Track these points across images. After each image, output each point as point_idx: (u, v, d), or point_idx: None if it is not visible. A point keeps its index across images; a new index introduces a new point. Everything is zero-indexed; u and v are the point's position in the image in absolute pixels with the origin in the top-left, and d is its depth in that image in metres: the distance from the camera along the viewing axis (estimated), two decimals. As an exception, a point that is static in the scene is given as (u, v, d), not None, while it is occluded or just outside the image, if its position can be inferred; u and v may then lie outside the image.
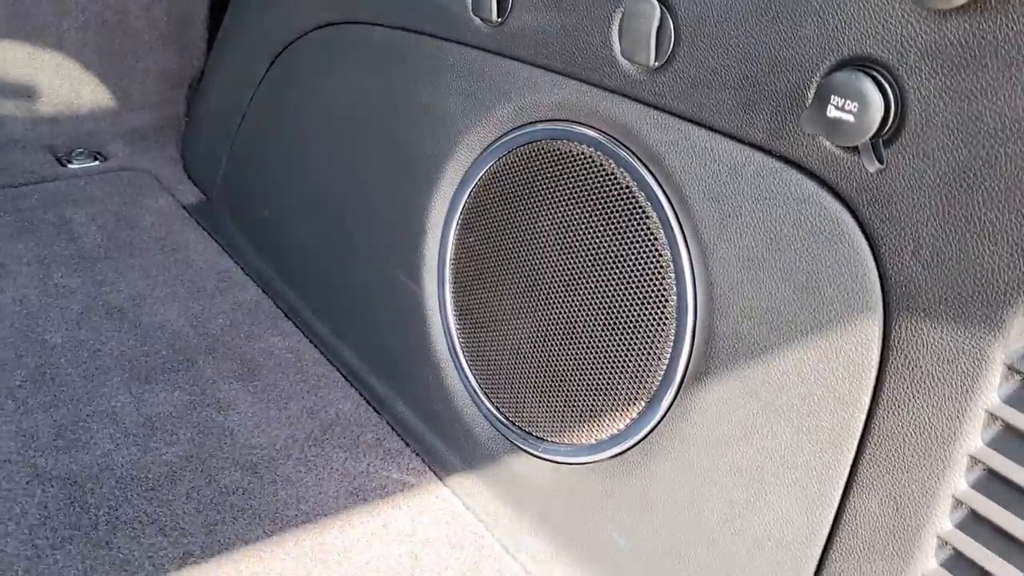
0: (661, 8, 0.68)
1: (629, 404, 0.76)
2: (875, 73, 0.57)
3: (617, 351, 0.76)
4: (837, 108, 0.58)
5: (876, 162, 0.58)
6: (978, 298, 0.55)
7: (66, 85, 1.44)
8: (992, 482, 0.56)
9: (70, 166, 1.41)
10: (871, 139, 0.58)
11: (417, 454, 0.92)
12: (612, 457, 0.78)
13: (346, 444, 0.91)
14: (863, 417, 0.62)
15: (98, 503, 0.80)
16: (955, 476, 0.57)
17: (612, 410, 0.78)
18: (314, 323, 1.10)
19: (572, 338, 0.79)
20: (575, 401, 0.80)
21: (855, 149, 0.59)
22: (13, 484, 0.81)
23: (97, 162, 1.43)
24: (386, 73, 0.96)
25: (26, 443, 0.86)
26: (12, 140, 1.41)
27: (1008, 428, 0.55)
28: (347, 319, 1.05)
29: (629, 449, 0.77)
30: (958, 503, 0.57)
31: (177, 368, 0.99)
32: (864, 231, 0.60)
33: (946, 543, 0.58)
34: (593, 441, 0.80)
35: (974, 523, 0.57)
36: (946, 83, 0.54)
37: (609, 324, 0.76)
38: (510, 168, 0.84)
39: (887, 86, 0.57)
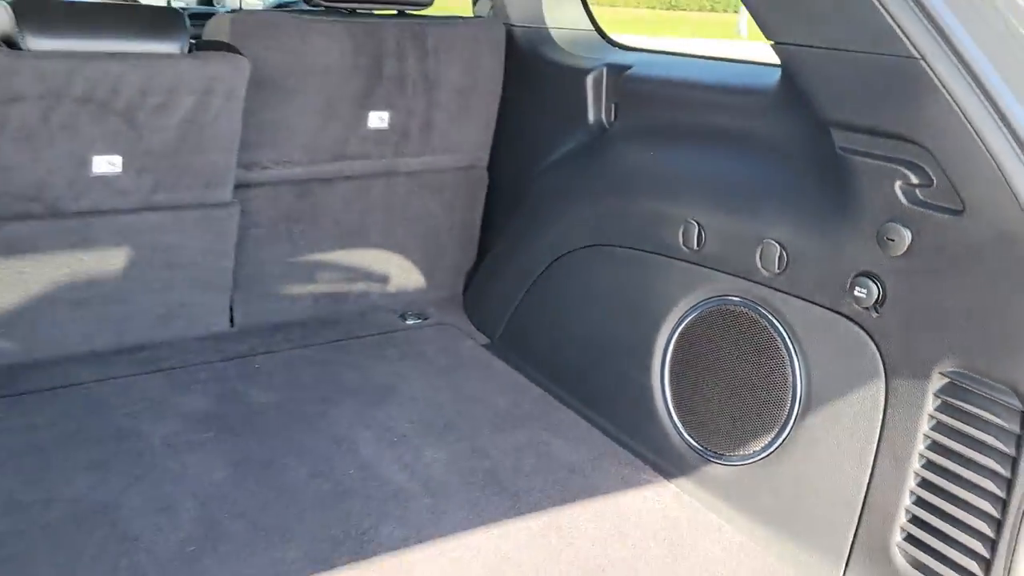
0: (780, 246, 1.56)
1: (768, 432, 1.57)
2: (873, 278, 1.42)
3: (763, 406, 1.58)
4: (858, 291, 1.43)
5: (875, 314, 1.42)
6: (921, 370, 1.36)
7: (403, 274, 2.40)
8: (933, 449, 1.35)
9: (407, 322, 2.35)
10: (873, 304, 1.42)
11: (652, 467, 1.73)
12: (760, 459, 1.58)
13: (616, 461, 1.74)
14: (879, 427, 1.42)
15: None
16: (919, 443, 1.36)
17: (760, 435, 1.59)
18: (578, 407, 1.94)
19: (740, 400, 1.62)
20: (741, 432, 1.62)
21: (867, 308, 1.43)
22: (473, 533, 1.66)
23: (421, 320, 2.37)
24: (629, 272, 1.86)
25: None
26: (376, 306, 2.37)
27: (938, 423, 1.34)
28: (600, 402, 1.90)
29: (769, 455, 1.57)
30: (921, 457, 1.36)
31: (522, 426, 1.85)
32: (875, 343, 1.43)
33: (919, 475, 1.36)
34: (750, 452, 1.60)
35: (931, 467, 1.35)
36: (903, 282, 1.38)
37: (759, 393, 1.59)
38: (702, 318, 1.70)
39: (878, 283, 1.41)
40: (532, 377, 2.07)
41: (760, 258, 1.59)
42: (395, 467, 1.67)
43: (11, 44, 1.65)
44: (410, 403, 1.91)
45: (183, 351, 2.06)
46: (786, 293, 1.55)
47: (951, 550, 1.32)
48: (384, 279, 2.38)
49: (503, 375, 2.09)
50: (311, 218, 2.21)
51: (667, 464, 1.74)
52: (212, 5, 3.81)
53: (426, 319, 2.38)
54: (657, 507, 1.63)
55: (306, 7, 2.59)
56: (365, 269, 2.34)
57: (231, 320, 2.18)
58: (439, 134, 2.30)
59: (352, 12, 2.13)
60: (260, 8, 3.51)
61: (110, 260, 1.91)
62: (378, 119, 2.18)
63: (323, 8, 2.07)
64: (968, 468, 1.30)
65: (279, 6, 3.40)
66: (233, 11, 2.10)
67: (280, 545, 1.43)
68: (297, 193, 2.16)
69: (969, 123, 1.22)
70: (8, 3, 1.65)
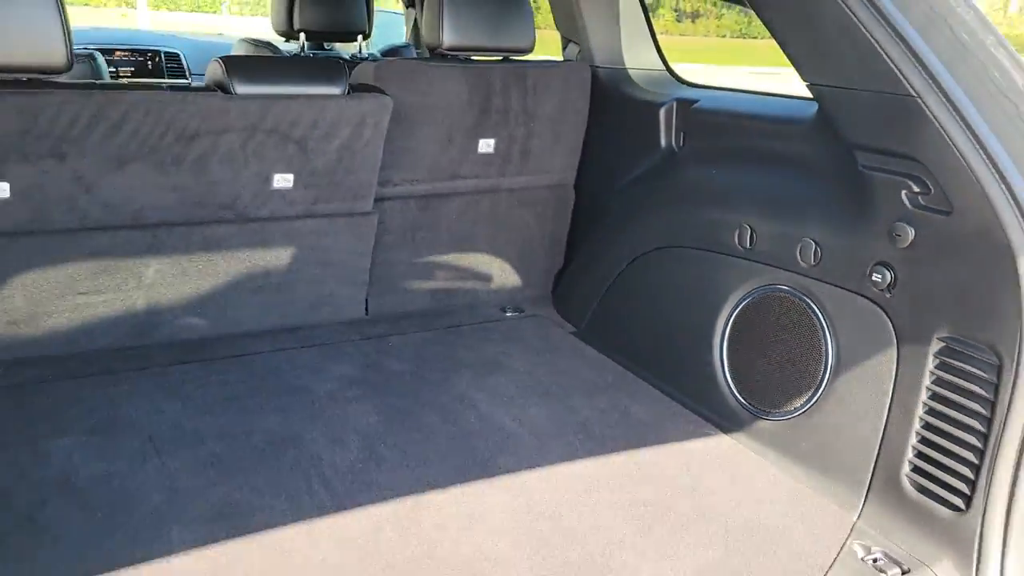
0: (815, 243, 1.96)
1: (805, 392, 1.97)
2: (887, 266, 1.81)
3: (801, 371, 1.98)
4: (875, 277, 1.82)
5: (888, 295, 1.81)
6: (924, 337, 1.75)
7: (503, 275, 2.86)
8: (933, 399, 1.73)
9: (507, 314, 2.81)
10: (887, 287, 1.81)
11: (712, 423, 2.14)
12: (799, 415, 1.97)
13: (682, 420, 2.15)
14: (892, 384, 1.80)
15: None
16: (923, 395, 1.74)
17: (798, 395, 1.98)
18: (652, 379, 2.36)
19: (783, 368, 2.02)
20: (783, 393, 2.01)
21: (882, 290, 1.82)
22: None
23: (518, 312, 2.82)
24: (694, 268, 2.28)
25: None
26: (481, 300, 2.84)
27: (937, 378, 1.72)
28: (670, 373, 2.31)
29: (806, 410, 1.96)
30: (924, 405, 1.74)
31: (606, 393, 2.27)
32: (889, 318, 1.82)
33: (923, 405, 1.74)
34: (791, 408, 1.99)
35: (932, 413, 1.73)
36: (910, 268, 1.77)
37: (797, 361, 1.99)
38: (753, 303, 2.10)
39: (891, 270, 1.80)
40: (613, 357, 2.50)
41: (799, 253, 1.99)
42: (507, 418, 2.12)
43: (224, 89, 2.17)
44: (514, 374, 2.36)
45: (330, 332, 2.55)
46: (820, 280, 1.95)
47: (947, 475, 1.69)
48: (488, 278, 2.85)
49: (589, 355, 2.52)
50: (430, 227, 2.69)
51: (724, 421, 2.14)
52: (324, 48, 4.37)
53: (522, 312, 2.83)
54: (716, 453, 2.03)
55: (415, 54, 3.07)
56: (473, 270, 2.81)
57: (366, 309, 2.67)
58: (535, 158, 2.76)
59: (468, 59, 2.62)
60: (375, 54, 4.05)
61: (279, 256, 2.42)
62: (486, 145, 2.66)
63: (447, 56, 2.56)
64: (958, 411, 1.68)
65: (388, 52, 3.93)
66: (374, 60, 2.61)
67: (424, 467, 1.89)
68: (420, 206, 2.65)
69: (954, 146, 1.61)
70: (221, 59, 2.18)
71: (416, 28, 4.16)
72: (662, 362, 2.36)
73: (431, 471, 1.88)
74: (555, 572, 1.59)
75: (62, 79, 2.06)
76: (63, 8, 1.92)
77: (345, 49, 3.95)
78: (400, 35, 4.72)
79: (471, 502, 1.78)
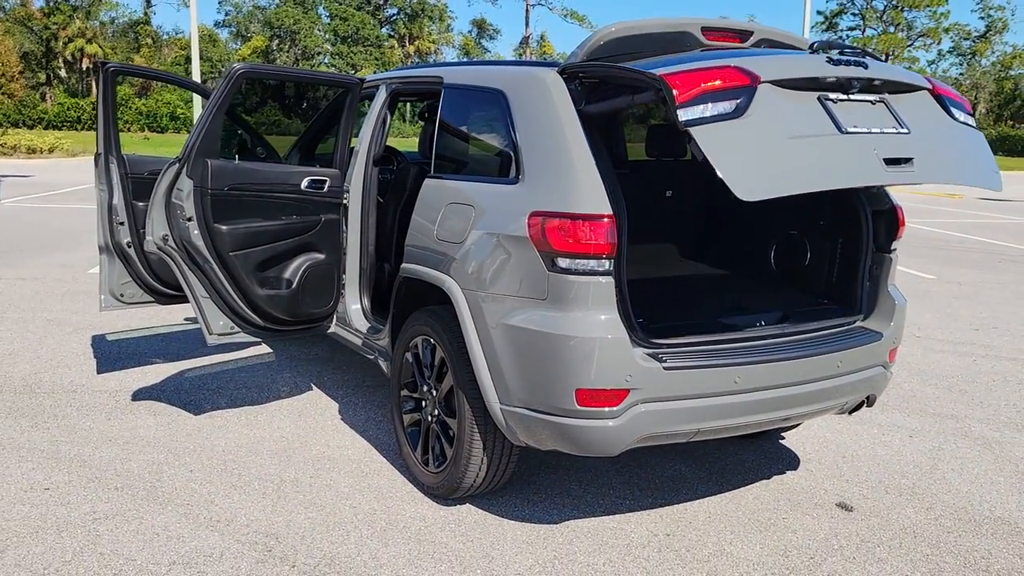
0: (797, 215, 5.90)
1: (803, 256, 5.84)
2: (822, 217, 5.72)
3: (798, 249, 5.89)
4: (821, 222, 5.72)
5: (823, 224, 5.69)
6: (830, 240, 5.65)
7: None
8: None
9: (676, 263, 6.71)
10: (825, 225, 5.70)
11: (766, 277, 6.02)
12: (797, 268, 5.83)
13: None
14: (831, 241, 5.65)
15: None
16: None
17: (802, 257, 5.85)
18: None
19: (791, 252, 5.92)
20: (794, 259, 5.89)
21: (821, 226, 5.71)
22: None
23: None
24: (754, 230, 6.22)
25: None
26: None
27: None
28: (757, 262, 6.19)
29: (804, 266, 5.82)
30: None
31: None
32: (828, 232, 5.70)
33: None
34: (799, 264, 5.87)
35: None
36: (821, 218, 5.70)
37: (795, 252, 5.90)
38: (784, 239, 6.01)
39: (823, 219, 5.71)
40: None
41: (789, 219, 5.85)
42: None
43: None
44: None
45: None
46: (802, 226, 5.80)
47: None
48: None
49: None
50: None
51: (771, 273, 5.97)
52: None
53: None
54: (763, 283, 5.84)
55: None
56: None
57: None
58: (689, 204, 6.68)
59: (660, 160, 6.56)
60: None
61: None
62: (668, 192, 6.59)
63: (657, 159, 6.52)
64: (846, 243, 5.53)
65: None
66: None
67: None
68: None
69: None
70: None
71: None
72: (755, 257, 6.16)
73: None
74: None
75: None
76: None
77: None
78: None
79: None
